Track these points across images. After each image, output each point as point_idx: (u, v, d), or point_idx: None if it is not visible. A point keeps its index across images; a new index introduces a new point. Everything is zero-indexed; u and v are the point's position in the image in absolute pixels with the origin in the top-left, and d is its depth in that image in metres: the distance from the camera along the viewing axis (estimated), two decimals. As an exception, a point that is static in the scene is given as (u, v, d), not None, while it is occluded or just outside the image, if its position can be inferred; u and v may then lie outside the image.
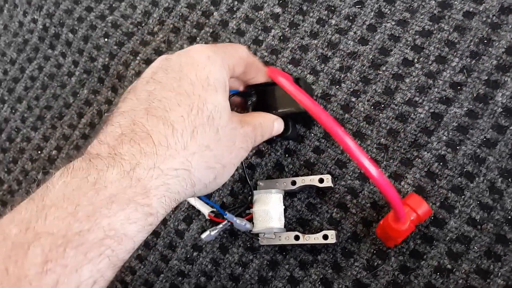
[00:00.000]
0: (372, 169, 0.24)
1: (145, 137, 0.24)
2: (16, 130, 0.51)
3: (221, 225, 0.37)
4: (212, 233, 0.37)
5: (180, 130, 0.25)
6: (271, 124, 0.33)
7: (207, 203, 0.37)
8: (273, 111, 0.34)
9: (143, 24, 0.47)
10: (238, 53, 0.30)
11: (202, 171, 0.26)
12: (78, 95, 0.48)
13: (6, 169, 0.50)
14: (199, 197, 0.38)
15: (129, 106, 0.26)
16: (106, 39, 0.48)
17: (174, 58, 0.28)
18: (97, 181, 0.22)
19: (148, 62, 0.46)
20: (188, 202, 0.40)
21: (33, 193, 0.23)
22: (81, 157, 0.24)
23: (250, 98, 0.34)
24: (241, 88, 0.34)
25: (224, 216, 0.35)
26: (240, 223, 0.35)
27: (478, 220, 0.33)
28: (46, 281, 0.20)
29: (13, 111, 0.51)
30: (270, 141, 0.39)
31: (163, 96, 0.26)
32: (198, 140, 0.25)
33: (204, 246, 0.39)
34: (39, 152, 0.49)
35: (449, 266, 0.32)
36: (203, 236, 0.37)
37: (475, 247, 0.32)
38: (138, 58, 0.46)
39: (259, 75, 0.33)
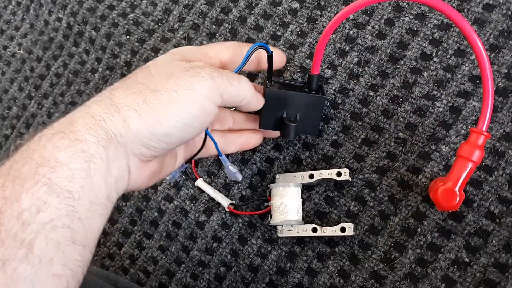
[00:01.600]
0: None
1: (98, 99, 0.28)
2: (42, 125, 0.53)
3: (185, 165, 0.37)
4: (177, 174, 0.36)
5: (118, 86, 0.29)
6: (245, 86, 0.31)
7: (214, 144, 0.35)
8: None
9: (164, 21, 0.48)
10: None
11: (125, 97, 0.27)
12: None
13: (34, 163, 0.52)
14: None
15: None
16: (128, 36, 0.50)
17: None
18: (42, 135, 0.26)
19: (168, 58, 0.47)
20: (208, 195, 0.41)
21: None
22: None
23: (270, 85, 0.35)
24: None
25: (220, 157, 0.36)
26: (232, 169, 0.37)
27: (496, 214, 0.33)
28: None
29: (40, 107, 0.53)
30: (286, 133, 0.38)
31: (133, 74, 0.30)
32: (126, 82, 0.29)
33: (223, 237, 0.40)
34: (65, 146, 0.50)
35: (466, 260, 0.33)
36: (168, 177, 0.37)
37: (494, 241, 0.32)
38: (159, 54, 0.47)
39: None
